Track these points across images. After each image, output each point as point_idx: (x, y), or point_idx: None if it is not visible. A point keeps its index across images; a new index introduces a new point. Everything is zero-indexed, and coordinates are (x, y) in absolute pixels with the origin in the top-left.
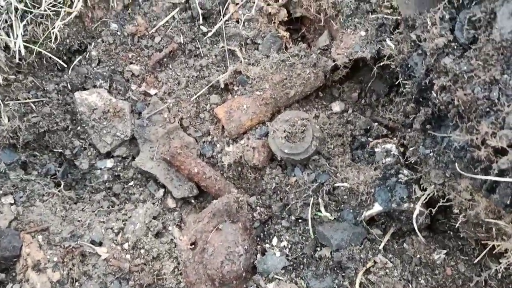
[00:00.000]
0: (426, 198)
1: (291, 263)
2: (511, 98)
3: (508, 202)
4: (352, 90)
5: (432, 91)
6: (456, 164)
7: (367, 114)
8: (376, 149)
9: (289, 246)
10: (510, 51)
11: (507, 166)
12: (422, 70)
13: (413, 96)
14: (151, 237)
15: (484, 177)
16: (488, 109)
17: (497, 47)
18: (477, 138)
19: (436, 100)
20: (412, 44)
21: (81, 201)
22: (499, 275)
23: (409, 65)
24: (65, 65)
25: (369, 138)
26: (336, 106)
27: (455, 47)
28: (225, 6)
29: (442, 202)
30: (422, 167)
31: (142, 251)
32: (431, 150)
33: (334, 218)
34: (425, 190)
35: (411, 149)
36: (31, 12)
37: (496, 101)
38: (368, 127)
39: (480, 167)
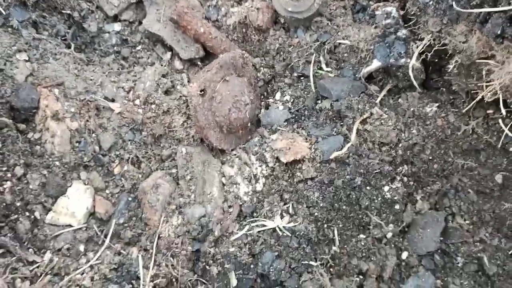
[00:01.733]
0: (422, 48)
1: (293, 115)
2: None
3: (499, 31)
4: None
5: None
6: (453, 4)
7: None
8: (376, 12)
9: (291, 100)
10: None
11: None
12: None
13: None
14: (161, 93)
15: (479, 10)
16: None
17: None
18: None
19: None
20: None
21: (92, 63)
22: (487, 123)
23: None
24: None
25: (370, 2)
26: None
27: None
28: None
29: (438, 46)
30: (421, 17)
31: (153, 106)
32: None
33: (335, 75)
34: (422, 40)
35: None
36: None
37: None
38: None
39: (476, 1)
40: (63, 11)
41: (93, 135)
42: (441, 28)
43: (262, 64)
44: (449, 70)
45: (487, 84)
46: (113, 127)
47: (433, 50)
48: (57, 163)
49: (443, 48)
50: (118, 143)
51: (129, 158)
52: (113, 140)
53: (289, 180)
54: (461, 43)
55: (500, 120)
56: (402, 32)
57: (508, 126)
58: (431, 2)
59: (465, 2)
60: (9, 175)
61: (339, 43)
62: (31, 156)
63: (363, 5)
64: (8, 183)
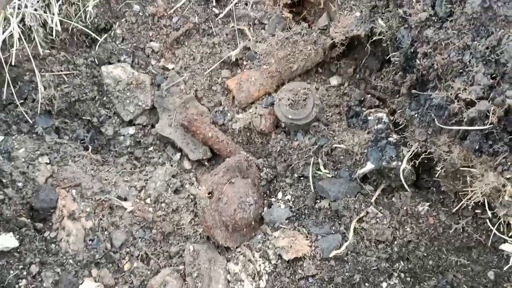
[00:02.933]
0: (411, 154)
1: (294, 214)
2: (479, 60)
3: (477, 147)
4: (348, 66)
5: (416, 59)
6: (435, 120)
7: (361, 87)
8: (369, 117)
9: (292, 199)
10: (478, 21)
11: (475, 115)
12: (408, 41)
13: (401, 65)
14: (170, 192)
15: (457, 127)
16: (461, 70)
17: (469, 19)
18: (451, 94)
19: (419, 66)
20: (400, 19)
21: (107, 164)
22: (476, 222)
23: (397, 38)
24: (93, 42)
25: (363, 108)
26: (334, 80)
27: (435, 20)
28: None
29: (425, 155)
30: (408, 127)
31: (163, 204)
32: (416, 112)
33: (332, 176)
34: (411, 147)
35: (399, 111)
36: None
37: (468, 63)
38: (362, 99)
39: (455, 119)
40: (83, 118)
41: (106, 233)
42: (427, 138)
43: (265, 165)
44: (437, 174)
45: (471, 189)
46: (125, 225)
47: (420, 158)
48: (70, 261)
49: (429, 156)
50: (129, 241)
51: (139, 255)
52: (124, 238)
53: (291, 277)
54: (445, 153)
55: (487, 220)
56: (393, 137)
57: (496, 226)
58: (416, 115)
59: (446, 118)
60: (24, 273)
61: (335, 147)
62: (46, 254)
63: (356, 111)
64: (24, 281)
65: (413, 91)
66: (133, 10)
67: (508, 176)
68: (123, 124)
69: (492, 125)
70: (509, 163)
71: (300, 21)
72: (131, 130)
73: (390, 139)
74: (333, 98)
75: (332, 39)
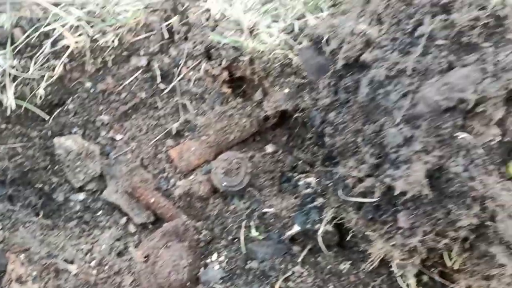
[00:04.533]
0: (328, 219)
1: (227, 274)
2: (367, 143)
3: (370, 216)
4: (282, 135)
5: (324, 137)
6: (338, 192)
7: (294, 154)
8: (299, 182)
9: (226, 260)
10: (367, 109)
11: (364, 190)
12: (318, 121)
13: (315, 141)
14: (114, 255)
15: (352, 199)
16: (355, 150)
17: (360, 106)
18: (347, 171)
19: (327, 143)
20: (313, 101)
21: (57, 228)
22: (391, 279)
23: (311, 117)
24: (47, 116)
25: (294, 173)
26: (269, 148)
27: (337, 105)
28: (179, 68)
29: (337, 221)
30: (326, 194)
31: (106, 267)
32: (330, 182)
33: (263, 238)
34: (327, 212)
35: (316, 180)
36: (20, 76)
37: (360, 144)
38: (294, 165)
39: (353, 192)
40: (36, 186)
41: None
42: (339, 205)
43: (204, 228)
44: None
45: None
46: (70, 287)
47: (333, 223)
48: None
49: (341, 221)
50: None
51: None
52: None
53: None
54: (351, 219)
55: (398, 278)
56: (319, 201)
57: (406, 283)
58: (330, 184)
59: (346, 191)
60: None
61: (266, 211)
62: None
63: (288, 176)
64: None
65: (327, 163)
66: (84, 87)
67: (392, 243)
68: (73, 190)
69: (378, 198)
70: (393, 232)
71: (240, 95)
72: (81, 196)
73: (315, 203)
74: (268, 164)
75: (265, 113)
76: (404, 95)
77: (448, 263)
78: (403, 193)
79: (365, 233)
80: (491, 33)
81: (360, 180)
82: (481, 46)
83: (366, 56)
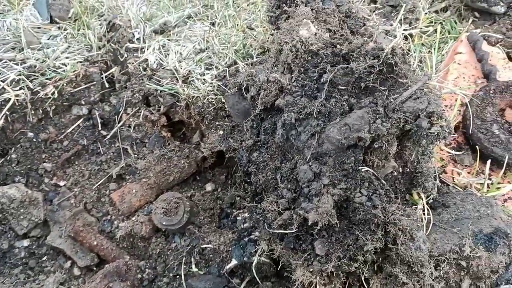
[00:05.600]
0: (262, 252)
1: None
2: (285, 179)
3: (292, 246)
4: (221, 174)
5: (250, 175)
6: (265, 224)
7: (232, 191)
8: (237, 218)
9: None
10: (283, 149)
11: (282, 222)
12: (244, 160)
13: (244, 179)
14: None
15: (275, 231)
16: (275, 186)
17: (277, 146)
18: (269, 205)
19: (252, 181)
20: (240, 142)
21: (2, 275)
22: None
23: (239, 157)
24: None
25: (233, 209)
26: (209, 186)
27: (260, 145)
28: (119, 115)
29: (266, 253)
30: (257, 228)
31: None
32: (260, 216)
33: (204, 273)
34: (259, 245)
35: (248, 215)
36: None
37: (279, 180)
38: (233, 201)
39: (275, 225)
40: None
41: None
42: (270, 237)
43: (147, 267)
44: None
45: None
46: None
47: (267, 255)
48: None
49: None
50: None
51: None
52: None
53: None
54: (278, 249)
55: None
56: (255, 234)
57: None
58: (260, 218)
59: (270, 225)
60: None
61: (206, 247)
62: None
63: (227, 212)
64: None
65: (256, 198)
66: (27, 137)
67: (311, 269)
68: (18, 237)
69: (296, 229)
70: (312, 259)
71: (179, 137)
72: (26, 242)
73: (252, 236)
74: (208, 202)
75: (202, 153)
76: (312, 135)
77: (366, 287)
78: (316, 224)
79: (291, 263)
80: (385, 78)
81: (280, 213)
82: (377, 89)
83: (280, 101)
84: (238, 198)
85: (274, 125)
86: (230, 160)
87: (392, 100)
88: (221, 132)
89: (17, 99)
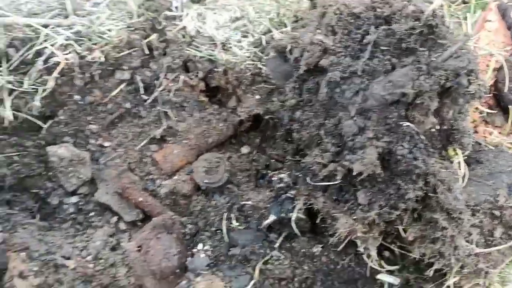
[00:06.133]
0: (300, 208)
1: (212, 261)
2: (329, 134)
3: (334, 197)
4: (255, 137)
5: (292, 133)
6: (307, 179)
7: (267, 153)
8: (273, 178)
9: (211, 249)
10: (327, 106)
11: (327, 174)
12: (286, 119)
13: (285, 137)
14: (108, 250)
15: (319, 184)
16: (319, 141)
17: (321, 104)
18: (314, 159)
19: (295, 138)
20: (281, 103)
21: (53, 229)
22: (357, 258)
23: (279, 117)
24: (41, 127)
25: (268, 171)
26: (244, 149)
27: (302, 104)
28: (160, 80)
29: (308, 208)
30: (296, 185)
31: (101, 260)
32: (299, 172)
33: (243, 228)
34: (299, 201)
35: (288, 173)
36: (15, 90)
37: (323, 136)
38: (268, 163)
39: (319, 177)
40: (32, 191)
41: None
42: (309, 192)
43: (188, 222)
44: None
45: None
46: (68, 280)
47: (304, 208)
48: None
49: (311, 207)
50: None
51: None
52: None
53: None
54: (320, 204)
55: (364, 256)
56: (291, 193)
57: (370, 259)
58: (300, 175)
59: (313, 177)
60: None
61: (244, 204)
62: None
63: (263, 173)
64: None
65: (296, 156)
66: (74, 100)
67: (354, 217)
68: (67, 194)
69: (340, 181)
70: (354, 208)
71: (216, 102)
72: (74, 199)
73: (288, 194)
74: (244, 163)
75: (239, 117)
76: (357, 92)
77: (403, 235)
78: (360, 174)
79: (332, 215)
80: (425, 39)
81: (324, 166)
82: (418, 50)
83: (324, 62)
84: (273, 160)
85: (317, 85)
86: (265, 124)
87: (434, 59)
88: (257, 97)
89: (66, 63)
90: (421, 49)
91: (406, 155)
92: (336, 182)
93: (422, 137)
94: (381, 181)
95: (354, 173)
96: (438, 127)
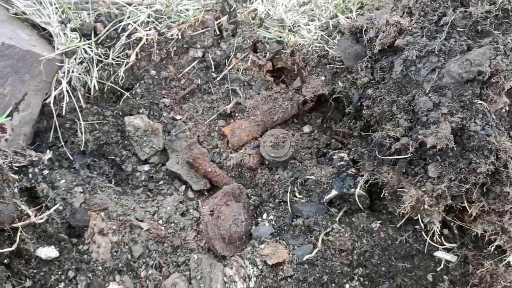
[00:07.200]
0: (364, 182)
1: (276, 230)
2: (401, 110)
3: (403, 170)
4: (317, 117)
5: (362, 110)
6: (377, 153)
7: (328, 134)
8: (333, 157)
9: (275, 219)
10: (400, 84)
11: (400, 147)
12: (356, 98)
13: (353, 115)
14: (178, 215)
15: (389, 157)
16: (390, 117)
17: (394, 82)
18: (385, 134)
19: (364, 115)
20: (351, 82)
21: (126, 194)
22: (415, 235)
23: (349, 95)
24: (118, 98)
25: (329, 150)
26: (306, 128)
27: (373, 83)
28: (229, 59)
29: (373, 181)
30: (361, 161)
31: (172, 224)
32: (365, 149)
33: (306, 201)
34: (363, 176)
35: (353, 149)
36: (102, 61)
37: (395, 112)
38: (328, 142)
39: (388, 152)
40: (109, 157)
41: (127, 246)
42: (373, 168)
43: (253, 194)
44: (384, 198)
45: (402, 204)
46: (142, 240)
47: (369, 183)
48: (99, 267)
49: (376, 181)
50: (145, 253)
51: (153, 264)
52: (141, 251)
53: (274, 278)
54: (386, 178)
55: (423, 232)
56: (351, 170)
57: (429, 236)
58: (365, 151)
59: (383, 152)
60: (63, 277)
61: (307, 178)
62: (80, 262)
63: (323, 152)
64: (62, 284)
65: (362, 133)
66: (150, 74)
67: (423, 189)
68: (139, 162)
69: (411, 154)
70: (424, 180)
71: (280, 83)
72: (146, 167)
73: (349, 171)
74: (306, 142)
75: (304, 97)
76: (433, 70)
77: (468, 210)
78: (433, 147)
79: (399, 189)
80: (500, 22)
81: (397, 140)
82: (492, 33)
83: (399, 42)
84: (333, 140)
85: (391, 64)
86: (328, 105)
87: (510, 41)
88: (323, 78)
89: (146, 39)
90: (495, 32)
91: (479, 131)
92: (407, 156)
93: (493, 116)
94: (452, 155)
95: (428, 147)
96: (508, 108)
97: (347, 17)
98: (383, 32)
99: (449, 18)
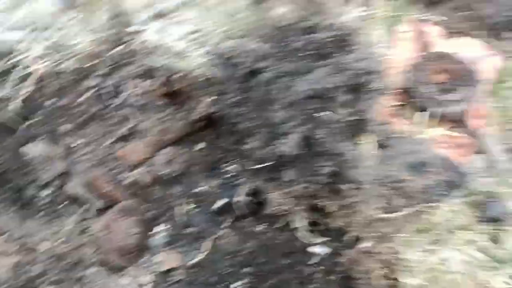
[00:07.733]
0: (247, 190)
1: (170, 239)
2: (262, 124)
3: (268, 177)
4: (209, 135)
5: (237, 125)
6: (248, 163)
7: (218, 149)
8: (225, 169)
9: (169, 230)
10: (261, 101)
11: (262, 156)
12: (231, 115)
13: (231, 131)
14: (78, 233)
15: (256, 166)
16: (255, 131)
17: (256, 100)
18: (251, 146)
19: (238, 130)
20: (228, 102)
21: (28, 218)
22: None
23: (226, 114)
24: (18, 128)
25: (220, 164)
26: (199, 145)
27: (242, 102)
28: (125, 86)
29: (253, 188)
30: (243, 171)
31: (72, 242)
32: (243, 160)
33: (197, 211)
34: (246, 185)
35: (236, 160)
36: None
37: (258, 126)
38: (220, 157)
39: (255, 161)
40: (10, 184)
41: (27, 266)
42: (250, 176)
43: (148, 208)
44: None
45: None
46: (42, 259)
47: (252, 191)
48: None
49: (256, 189)
50: (47, 270)
51: (54, 280)
52: (42, 269)
53: (167, 283)
54: (260, 185)
55: (297, 231)
56: (239, 180)
57: (300, 233)
58: (243, 163)
59: (252, 162)
60: None
61: (199, 191)
62: None
63: (214, 166)
64: None
65: (240, 147)
66: (48, 103)
67: (284, 192)
68: (41, 187)
69: (273, 162)
70: (283, 184)
71: (174, 105)
72: (47, 191)
73: (235, 182)
74: (199, 157)
75: (195, 117)
76: (285, 88)
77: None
78: (288, 155)
79: (267, 194)
80: (340, 46)
81: (260, 150)
82: (334, 55)
83: (259, 65)
84: (223, 154)
85: (255, 84)
86: (217, 124)
87: (347, 61)
88: (210, 98)
89: (40, 72)
90: (340, 53)
91: (322, 139)
92: (269, 164)
93: (337, 124)
94: (303, 161)
95: (284, 154)
96: (351, 117)
97: (229, 44)
98: (245, 58)
99: (298, 43)
